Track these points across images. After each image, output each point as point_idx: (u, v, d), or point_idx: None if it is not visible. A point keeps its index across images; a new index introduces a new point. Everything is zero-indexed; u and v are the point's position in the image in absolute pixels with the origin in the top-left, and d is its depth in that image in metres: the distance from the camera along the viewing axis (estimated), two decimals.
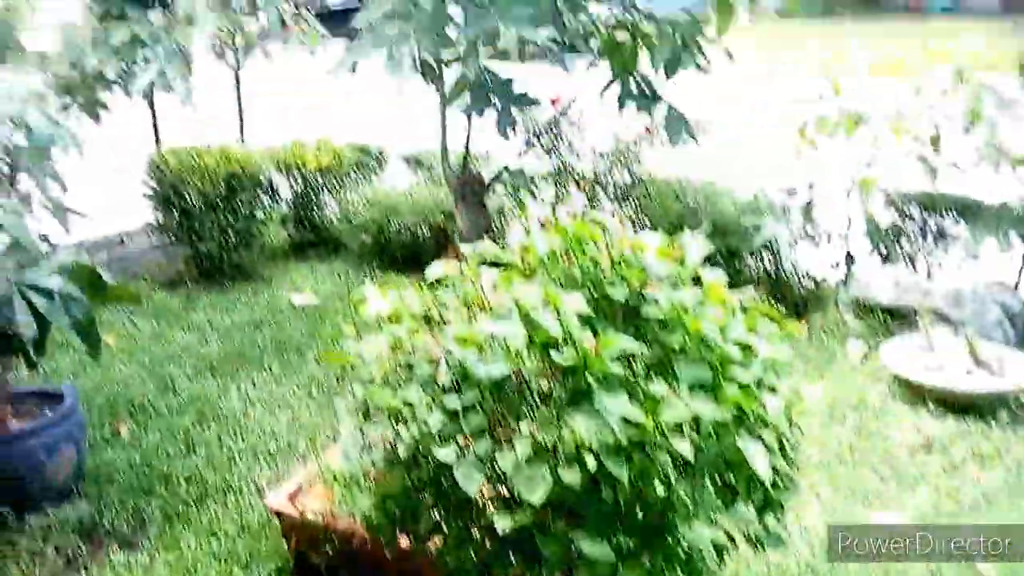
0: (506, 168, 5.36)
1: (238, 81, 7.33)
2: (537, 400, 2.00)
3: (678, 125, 4.98)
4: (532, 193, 5.62)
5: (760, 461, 1.94)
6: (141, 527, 3.56)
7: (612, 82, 5.11)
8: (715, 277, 2.23)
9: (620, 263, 2.19)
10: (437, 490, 2.05)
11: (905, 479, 3.78)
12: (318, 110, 11.30)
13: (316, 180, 6.78)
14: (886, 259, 5.74)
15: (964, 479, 3.78)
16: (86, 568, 3.32)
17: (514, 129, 4.70)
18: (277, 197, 6.67)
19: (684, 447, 1.89)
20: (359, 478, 2.24)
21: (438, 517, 2.11)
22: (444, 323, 2.24)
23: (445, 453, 1.93)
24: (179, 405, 4.48)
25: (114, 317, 5.44)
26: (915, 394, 4.33)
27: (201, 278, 6.18)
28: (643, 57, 5.09)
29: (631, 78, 5.07)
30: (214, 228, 5.90)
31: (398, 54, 4.25)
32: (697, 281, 2.28)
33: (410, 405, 2.05)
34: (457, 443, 1.97)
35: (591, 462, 1.86)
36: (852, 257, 5.82)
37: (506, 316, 2.09)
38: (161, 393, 4.60)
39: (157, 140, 6.83)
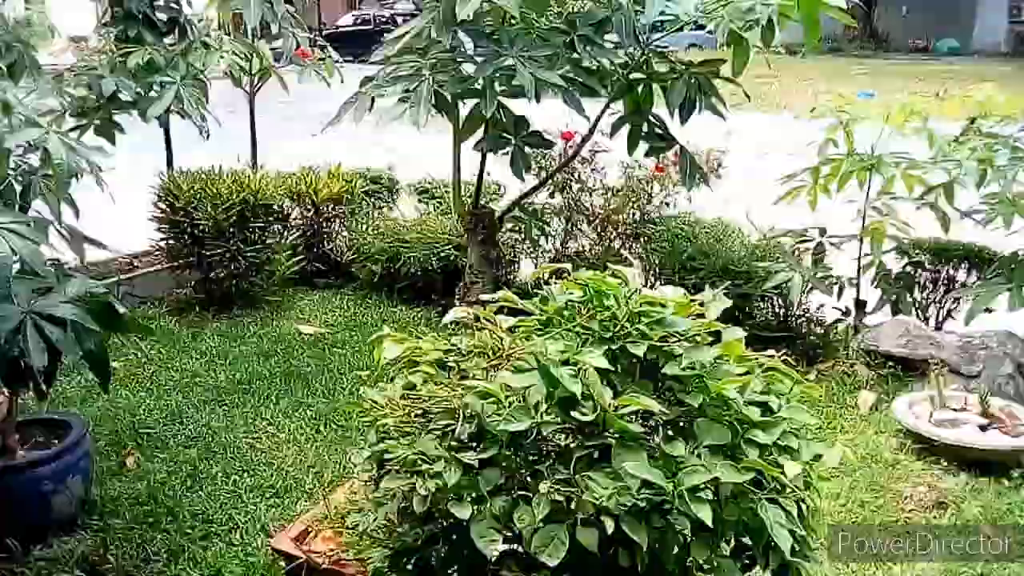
0: (518, 204, 5.36)
1: (252, 106, 7.36)
2: (555, 457, 1.98)
3: (692, 170, 5.00)
4: (542, 230, 5.62)
5: (779, 529, 1.92)
6: (145, 563, 3.52)
7: (624, 122, 5.14)
8: (734, 334, 2.22)
9: (639, 317, 2.17)
10: (452, 546, 2.03)
11: (918, 539, 3.74)
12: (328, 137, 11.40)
13: (327, 208, 6.79)
14: (896, 307, 5.73)
15: (977, 540, 3.74)
16: None
17: (529, 170, 4.72)
18: (288, 225, 6.67)
19: (705, 513, 1.87)
20: (372, 529, 2.22)
21: (453, 573, 2.09)
22: (461, 373, 2.23)
23: (462, 510, 1.91)
24: (186, 436, 4.46)
25: (120, 341, 5.43)
26: (927, 449, 4.30)
27: (210, 305, 6.17)
28: (659, 99, 5.14)
29: (644, 119, 5.09)
30: (225, 255, 5.89)
31: (416, 91, 4.27)
32: (716, 337, 2.26)
33: (426, 457, 2.03)
34: (473, 499, 1.95)
35: (610, 524, 1.84)
36: (862, 304, 5.82)
37: (526, 369, 2.08)
38: (168, 423, 4.58)
39: (170, 163, 6.85)
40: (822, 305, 5.76)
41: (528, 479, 2.00)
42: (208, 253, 5.91)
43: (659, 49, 5.05)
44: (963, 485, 4.11)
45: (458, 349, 2.36)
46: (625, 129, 5.14)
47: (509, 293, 2.39)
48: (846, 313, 5.77)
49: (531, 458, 2.04)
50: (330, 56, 7.11)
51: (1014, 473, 4.15)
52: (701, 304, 2.26)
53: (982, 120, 5.75)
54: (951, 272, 5.85)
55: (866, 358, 5.28)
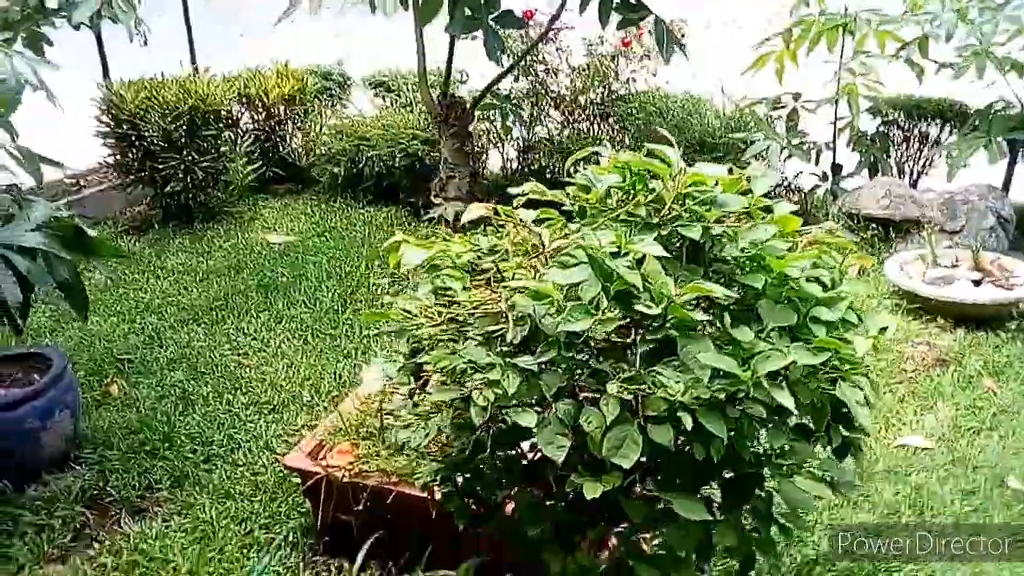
0: (489, 91, 5.10)
1: (186, 8, 6.88)
2: (616, 354, 1.84)
3: (668, 40, 4.77)
4: (519, 117, 5.38)
5: (858, 408, 1.83)
6: (148, 492, 3.37)
7: None
8: (785, 209, 2.07)
9: (685, 198, 2.01)
10: (511, 456, 1.91)
11: (922, 397, 3.74)
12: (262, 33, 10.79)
13: (279, 110, 6.44)
14: (874, 169, 5.66)
15: (980, 394, 3.76)
16: (97, 540, 3.12)
17: (504, 52, 4.45)
18: (240, 131, 6.31)
19: (785, 398, 1.75)
20: (417, 444, 2.07)
21: (510, 483, 1.97)
22: (498, 274, 2.06)
23: (526, 418, 1.78)
24: (168, 359, 4.25)
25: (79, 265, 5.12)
26: (923, 308, 4.28)
27: (168, 220, 5.86)
28: None
29: None
30: (179, 167, 5.56)
31: None
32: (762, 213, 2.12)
33: (476, 365, 1.87)
34: (535, 406, 1.81)
35: (687, 420, 1.72)
36: (839, 168, 5.73)
37: (573, 264, 1.92)
38: (147, 347, 4.36)
39: (105, 73, 6.39)
40: (800, 172, 5.67)
41: (588, 380, 1.86)
42: (161, 167, 5.56)
43: None
44: (961, 341, 4.12)
45: (492, 249, 2.17)
46: (595, 2, 4.88)
47: (537, 184, 2.20)
48: (824, 178, 5.69)
49: (588, 358, 1.90)
50: None
51: (1011, 325, 4.16)
52: (748, 180, 2.10)
53: None
54: (925, 129, 5.78)
55: (848, 222, 5.22)
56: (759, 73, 5.74)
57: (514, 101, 5.32)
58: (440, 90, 4.98)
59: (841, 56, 5.50)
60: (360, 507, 2.87)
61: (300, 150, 6.54)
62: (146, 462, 3.50)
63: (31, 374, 3.53)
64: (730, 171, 2.10)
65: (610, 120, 6.17)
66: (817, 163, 5.65)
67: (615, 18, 5.00)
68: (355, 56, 7.56)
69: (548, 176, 6.04)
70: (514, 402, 1.82)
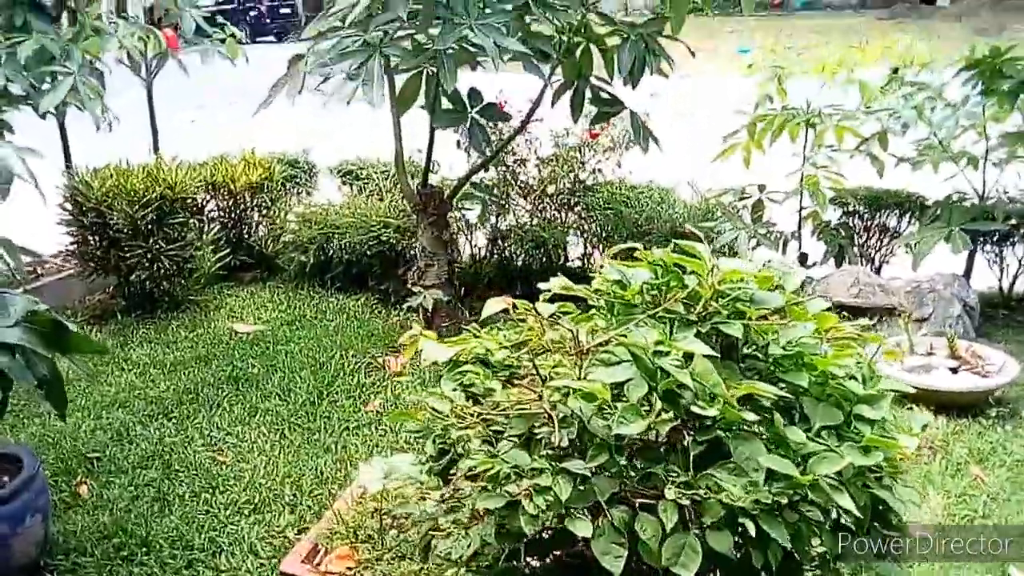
0: (468, 181, 5.10)
1: (150, 95, 6.82)
2: (670, 458, 1.79)
3: (644, 131, 4.85)
4: (501, 207, 5.39)
5: (912, 507, 1.80)
6: None
7: (566, 88, 4.95)
8: (820, 306, 2.07)
9: (721, 296, 1.99)
10: (568, 568, 1.82)
11: (913, 486, 3.73)
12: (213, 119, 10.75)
13: (246, 197, 6.36)
14: (840, 258, 5.77)
15: (969, 482, 3.77)
16: None
17: (489, 143, 4.47)
18: (205, 218, 6.20)
19: (846, 500, 1.72)
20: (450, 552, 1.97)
21: None
22: (532, 371, 2.00)
23: (581, 527, 1.70)
24: (139, 456, 4.06)
25: None
26: (903, 396, 4.30)
27: (131, 310, 5.68)
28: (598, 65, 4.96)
29: (588, 84, 4.91)
30: (145, 256, 5.41)
31: (367, 66, 3.96)
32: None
33: (520, 470, 1.80)
34: (587, 514, 1.74)
35: (751, 526, 1.67)
36: (805, 257, 5.84)
37: (616, 363, 1.87)
38: (116, 443, 4.17)
39: (68, 161, 6.26)
40: (769, 261, 5.73)
41: (644, 488, 1.80)
42: (126, 255, 5.42)
43: (598, 11, 4.86)
44: (944, 428, 4.15)
45: (518, 345, 2.12)
46: (566, 97, 4.96)
47: (565, 280, 2.16)
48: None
49: (633, 461, 1.84)
50: (233, 35, 6.61)
51: (991, 412, 4.21)
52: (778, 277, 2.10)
53: (904, 69, 5.82)
54: (885, 219, 5.94)
55: None
56: (721, 164, 5.87)
57: (492, 192, 5.32)
58: (419, 180, 4.96)
59: (804, 149, 5.64)
60: None
61: (266, 238, 6.44)
62: (123, 569, 3.30)
63: (2, 476, 3.32)
64: (762, 269, 2.10)
65: (576, 209, 6.21)
66: (784, 252, 5.74)
67: (587, 111, 5.13)
68: (314, 144, 7.56)
69: (518, 264, 6.06)
70: (565, 509, 1.74)
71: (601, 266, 2.22)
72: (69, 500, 3.72)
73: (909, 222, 5.84)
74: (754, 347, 2.06)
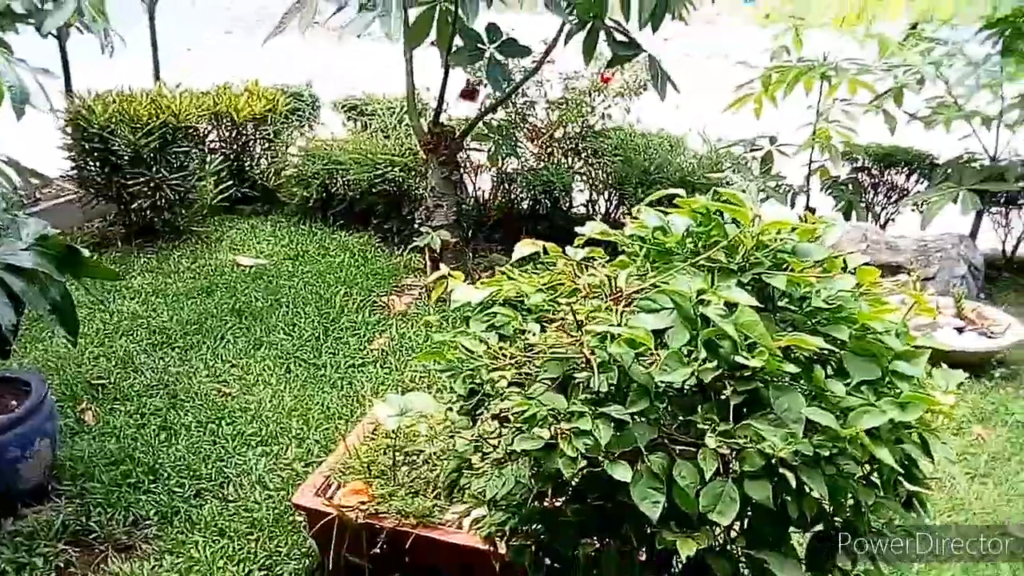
0: (480, 120, 5.02)
1: (152, 18, 6.66)
2: (709, 406, 1.78)
3: (662, 76, 4.77)
4: (513, 148, 5.31)
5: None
6: (135, 528, 3.18)
7: (580, 28, 4.84)
8: (860, 260, 2.05)
9: (763, 246, 1.97)
10: (600, 511, 1.82)
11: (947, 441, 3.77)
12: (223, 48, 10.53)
13: (249, 129, 6.25)
14: (848, 213, 5.75)
15: (971, 440, 3.81)
16: None
17: (508, 81, 4.39)
18: (207, 149, 6.10)
19: (885, 455, 1.72)
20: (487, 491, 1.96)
21: (588, 536, 1.88)
22: (570, 316, 1.97)
23: (621, 471, 1.69)
24: (144, 385, 4.05)
25: None
26: None
27: (131, 238, 5.63)
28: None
29: (603, 24, 4.80)
30: (148, 184, 5.34)
31: (387, 1, 3.86)
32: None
33: (558, 413, 1.79)
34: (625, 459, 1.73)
35: (791, 477, 1.67)
36: (813, 211, 5.80)
37: (655, 309, 1.85)
38: (121, 371, 4.15)
39: (68, 86, 6.13)
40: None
41: (676, 432, 1.79)
42: (129, 183, 5.34)
43: None
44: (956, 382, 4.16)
45: (551, 287, 2.09)
46: (579, 38, 4.86)
47: (602, 224, 2.13)
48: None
49: (670, 409, 1.83)
50: None
51: (994, 373, 4.24)
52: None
53: (924, 24, 5.75)
54: (894, 177, 5.91)
55: None
56: (731, 115, 5.80)
57: (504, 132, 5.24)
58: (430, 118, 4.88)
59: (819, 103, 5.58)
60: (377, 550, 2.74)
61: (268, 171, 6.36)
62: (131, 496, 3.30)
63: (7, 400, 3.30)
64: (803, 219, 2.07)
65: (584, 154, 6.15)
66: (792, 206, 5.72)
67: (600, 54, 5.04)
68: (317, 76, 7.44)
69: (523, 208, 6.01)
70: (604, 453, 1.73)
71: (638, 212, 2.18)
72: (75, 426, 3.71)
73: (918, 181, 5.82)
74: (789, 299, 2.04)
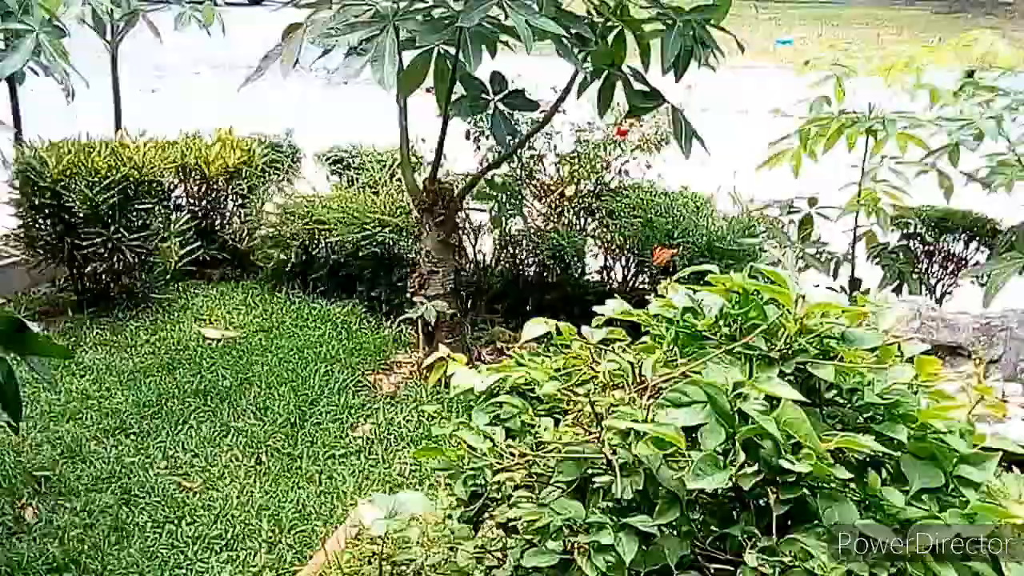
0: (482, 177, 5.08)
1: (115, 58, 6.80)
2: (748, 516, 1.77)
3: (687, 130, 4.84)
4: (519, 209, 5.37)
5: None
6: None
7: (596, 76, 4.93)
8: (919, 349, 2.05)
9: (807, 331, 1.98)
10: None
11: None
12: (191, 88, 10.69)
13: (220, 184, 6.32)
14: (899, 286, 5.76)
15: None
16: None
17: (515, 136, 4.45)
18: (174, 207, 6.16)
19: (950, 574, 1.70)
20: None
21: None
22: (588, 408, 1.97)
23: None
24: (93, 478, 4.02)
25: None
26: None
27: (84, 306, 5.64)
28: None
29: (621, 73, 4.89)
30: (105, 245, 5.37)
31: (378, 41, 3.94)
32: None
33: (574, 522, 1.77)
34: None
35: None
36: (857, 283, 5.82)
37: (687, 404, 1.85)
38: (68, 461, 4.13)
39: (19, 135, 6.22)
40: (817, 285, 5.73)
41: (709, 547, 1.78)
42: (83, 243, 5.37)
43: None
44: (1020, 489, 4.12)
45: (565, 373, 2.10)
46: (593, 87, 4.94)
47: (623, 303, 2.14)
48: (843, 293, 5.76)
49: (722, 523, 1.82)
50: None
51: None
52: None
53: (982, 73, 5.83)
54: (949, 246, 5.94)
55: None
56: (765, 172, 5.85)
57: (508, 190, 5.30)
58: (426, 175, 4.94)
59: (864, 160, 5.63)
60: None
61: (241, 231, 6.41)
62: None
63: None
64: (852, 299, 2.08)
65: (598, 215, 6.20)
66: (835, 276, 5.73)
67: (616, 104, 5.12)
68: (298, 124, 7.54)
69: (530, 275, 6.04)
70: (628, 572, 1.72)
71: (664, 289, 2.20)
72: (12, 525, 3.68)
73: (978, 249, 5.85)
74: (837, 392, 2.04)
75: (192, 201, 6.31)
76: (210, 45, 7.29)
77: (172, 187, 6.18)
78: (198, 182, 6.26)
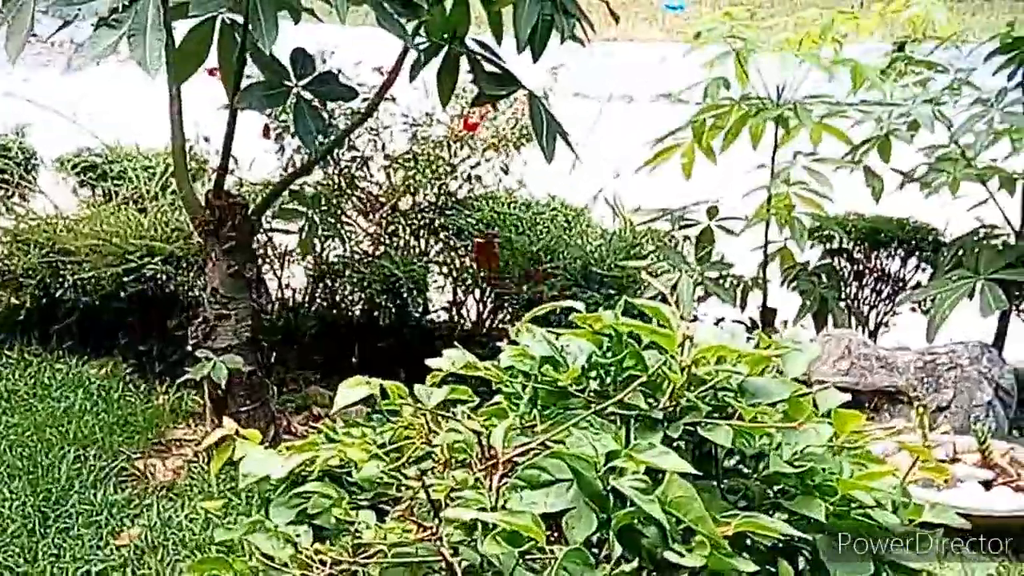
0: (285, 189, 5.06)
1: None
2: None
3: (550, 127, 4.93)
4: (336, 231, 5.37)
5: None
6: None
7: (434, 53, 4.98)
8: (836, 400, 2.14)
9: (698, 382, 2.04)
10: None
11: None
12: None
13: None
14: (821, 317, 5.96)
15: None
16: None
17: (325, 133, 4.46)
18: None
19: None
20: None
21: None
22: (422, 495, 1.99)
23: None
24: None
25: None
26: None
27: None
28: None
29: (466, 49, 4.96)
30: None
31: (137, 9, 3.90)
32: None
33: None
34: None
35: None
36: (773, 313, 6.01)
37: (546, 483, 1.89)
38: None
39: None
40: (721, 320, 5.88)
41: None
42: None
43: None
44: (973, 568, 4.32)
45: (395, 448, 2.11)
46: (432, 66, 5.00)
47: (466, 354, 2.17)
48: (752, 327, 5.92)
49: None
50: None
51: None
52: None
53: (915, 44, 6.09)
54: (884, 264, 6.19)
55: None
56: (650, 175, 5.99)
57: (321, 205, 5.30)
58: (210, 186, 4.90)
59: (773, 157, 5.82)
60: None
61: None
62: None
63: None
64: (757, 342, 2.16)
65: (443, 234, 6.25)
66: (744, 307, 5.91)
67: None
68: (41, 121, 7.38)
69: (355, 315, 6.04)
70: None
71: (517, 332, 2.23)
72: None
73: (919, 267, 6.12)
74: (740, 459, 2.11)
75: None
76: None
77: None
78: None
